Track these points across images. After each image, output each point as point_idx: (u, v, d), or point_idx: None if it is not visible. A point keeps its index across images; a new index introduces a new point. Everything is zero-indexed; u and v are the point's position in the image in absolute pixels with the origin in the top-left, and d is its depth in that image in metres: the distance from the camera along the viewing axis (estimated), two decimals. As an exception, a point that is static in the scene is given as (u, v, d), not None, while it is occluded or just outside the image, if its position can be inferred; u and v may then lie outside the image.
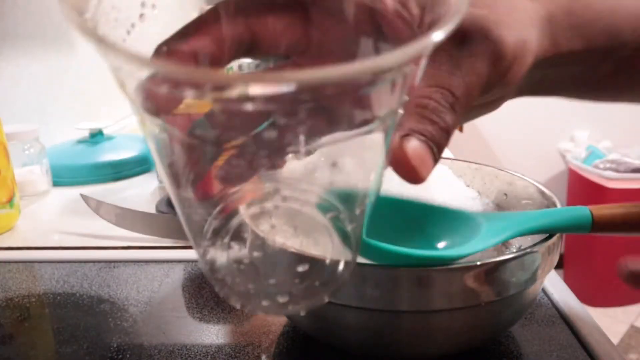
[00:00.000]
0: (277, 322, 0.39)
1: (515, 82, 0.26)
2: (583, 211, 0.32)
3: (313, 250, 0.23)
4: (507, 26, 0.24)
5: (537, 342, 0.36)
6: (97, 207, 0.57)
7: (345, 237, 0.23)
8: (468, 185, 0.42)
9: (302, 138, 0.18)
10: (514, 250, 0.36)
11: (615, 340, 1.89)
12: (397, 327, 0.30)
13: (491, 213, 0.34)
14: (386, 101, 0.18)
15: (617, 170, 1.99)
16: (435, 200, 0.37)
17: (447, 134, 0.23)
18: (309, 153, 0.20)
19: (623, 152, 2.16)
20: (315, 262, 0.23)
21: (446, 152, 0.87)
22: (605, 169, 2.02)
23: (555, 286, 0.43)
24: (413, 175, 0.22)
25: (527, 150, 2.35)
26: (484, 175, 0.43)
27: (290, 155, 0.20)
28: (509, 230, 0.31)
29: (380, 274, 0.28)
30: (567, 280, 2.16)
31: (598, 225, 0.32)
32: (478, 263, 0.28)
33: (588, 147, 2.23)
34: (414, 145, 0.22)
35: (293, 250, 0.24)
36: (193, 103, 0.19)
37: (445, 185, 0.39)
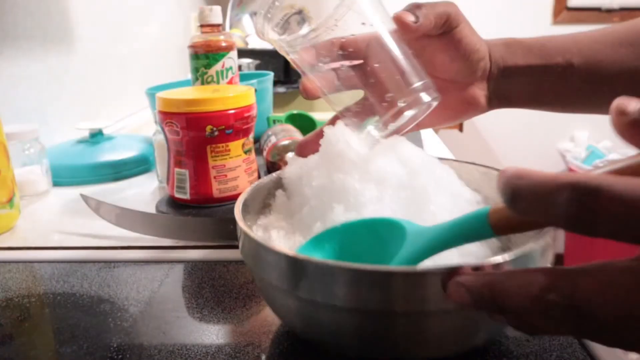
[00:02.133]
0: (277, 322, 0.39)
1: (479, 73, 0.47)
2: (479, 216, 0.27)
3: None
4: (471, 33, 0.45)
5: (537, 342, 0.36)
6: (97, 207, 0.57)
7: None
8: (475, 189, 0.41)
9: None
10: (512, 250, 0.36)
11: (615, 340, 1.88)
12: (392, 328, 0.30)
13: (420, 227, 0.32)
14: None
15: (617, 170, 1.99)
16: (435, 202, 0.37)
17: None
18: None
19: (623, 152, 2.16)
20: None
21: (447, 153, 0.87)
22: (605, 169, 2.01)
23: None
24: None
25: (527, 150, 2.35)
26: (491, 179, 0.43)
27: None
28: (419, 250, 0.31)
29: (374, 274, 0.28)
30: (567, 280, 2.15)
31: (499, 226, 0.26)
32: (472, 265, 0.28)
33: (588, 147, 2.23)
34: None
35: None
36: None
37: (447, 188, 0.39)
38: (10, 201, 0.58)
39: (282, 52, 0.41)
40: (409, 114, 0.40)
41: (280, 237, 0.39)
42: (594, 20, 2.25)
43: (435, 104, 0.41)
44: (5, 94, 0.81)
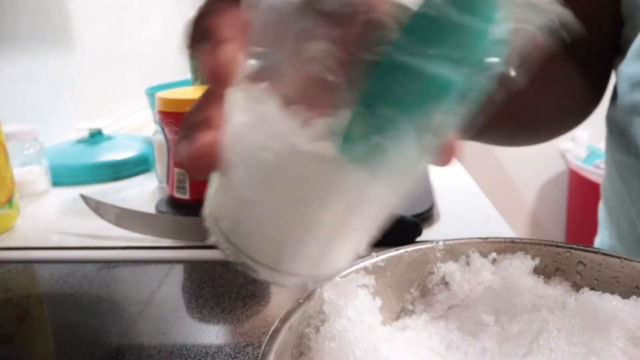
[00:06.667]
0: (277, 322, 0.39)
1: None
2: None
3: None
4: None
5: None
6: (96, 207, 0.57)
7: None
8: None
9: None
10: None
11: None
12: None
13: None
14: None
15: (617, 170, 1.99)
16: None
17: None
18: None
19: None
20: None
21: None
22: (606, 168, 2.02)
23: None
24: None
25: (527, 150, 2.35)
26: None
27: None
28: None
29: None
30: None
31: None
32: None
33: (588, 147, 2.23)
34: None
35: None
36: None
37: None
38: (9, 201, 0.58)
39: None
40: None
41: None
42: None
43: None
44: (5, 93, 0.81)
